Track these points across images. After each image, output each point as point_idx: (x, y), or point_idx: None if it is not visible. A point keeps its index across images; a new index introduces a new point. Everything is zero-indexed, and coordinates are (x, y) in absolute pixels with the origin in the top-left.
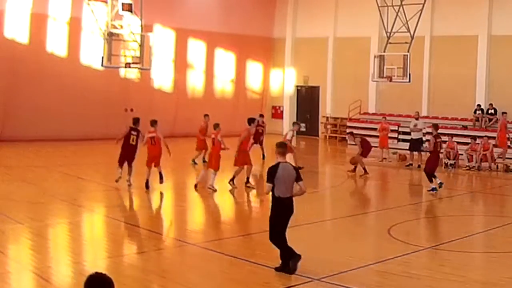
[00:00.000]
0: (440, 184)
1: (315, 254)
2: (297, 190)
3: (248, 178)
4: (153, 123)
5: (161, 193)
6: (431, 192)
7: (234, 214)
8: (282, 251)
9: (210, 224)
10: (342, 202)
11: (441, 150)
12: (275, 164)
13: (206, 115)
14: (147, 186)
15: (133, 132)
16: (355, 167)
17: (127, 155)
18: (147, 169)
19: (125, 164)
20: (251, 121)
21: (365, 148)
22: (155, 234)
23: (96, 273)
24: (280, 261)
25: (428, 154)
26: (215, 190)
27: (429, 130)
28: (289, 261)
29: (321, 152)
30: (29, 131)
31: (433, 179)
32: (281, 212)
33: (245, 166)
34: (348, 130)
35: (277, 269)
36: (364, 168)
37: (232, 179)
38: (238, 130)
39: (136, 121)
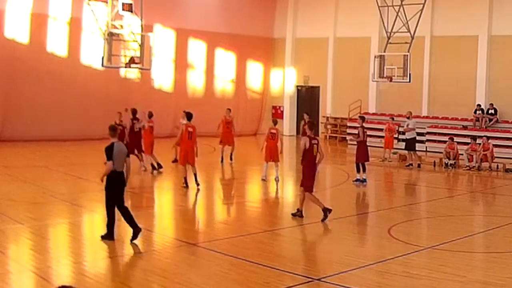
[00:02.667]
0: (364, 180)
1: (315, 254)
2: (127, 166)
3: (192, 176)
4: (150, 114)
5: (161, 193)
6: (355, 183)
7: (234, 214)
8: (108, 220)
9: (210, 224)
10: (342, 202)
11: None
12: (110, 144)
13: (228, 109)
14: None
15: (134, 121)
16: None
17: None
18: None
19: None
20: (189, 116)
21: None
22: (155, 234)
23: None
24: (107, 230)
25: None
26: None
27: (430, 130)
28: (111, 229)
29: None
30: (29, 131)
31: (360, 172)
32: (116, 184)
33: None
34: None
35: (102, 237)
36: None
37: (185, 180)
38: (238, 129)
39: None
